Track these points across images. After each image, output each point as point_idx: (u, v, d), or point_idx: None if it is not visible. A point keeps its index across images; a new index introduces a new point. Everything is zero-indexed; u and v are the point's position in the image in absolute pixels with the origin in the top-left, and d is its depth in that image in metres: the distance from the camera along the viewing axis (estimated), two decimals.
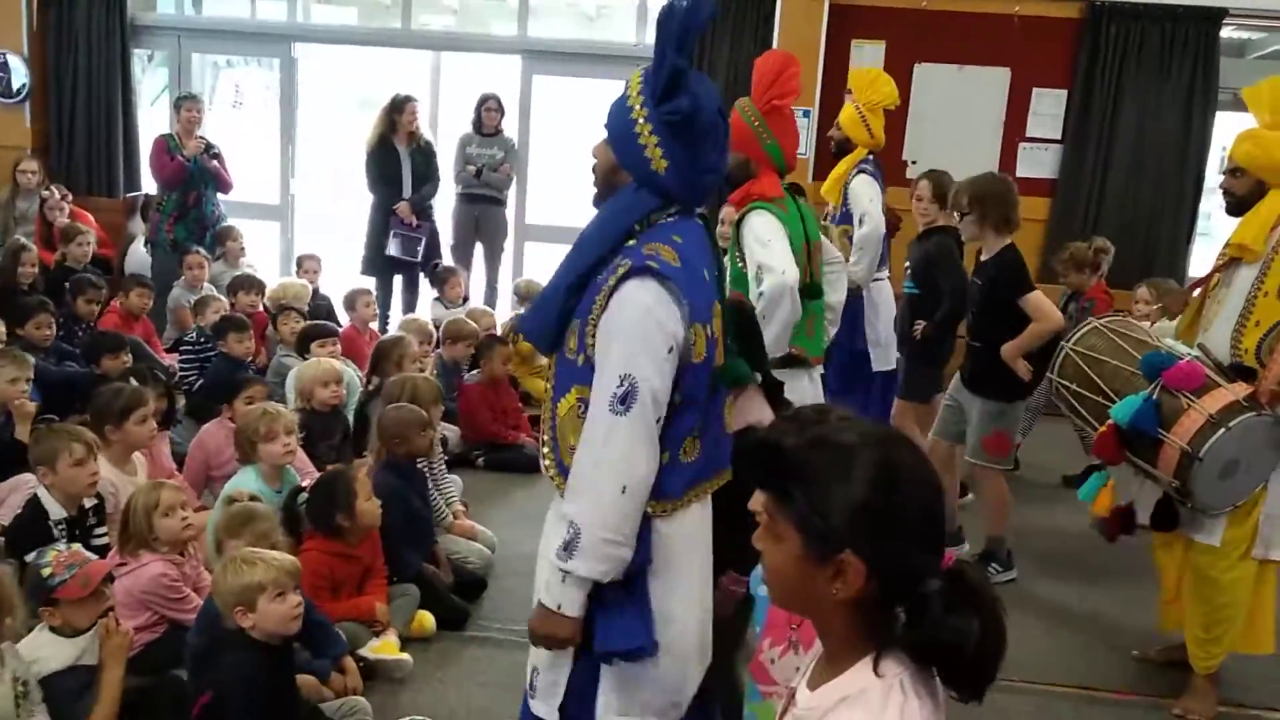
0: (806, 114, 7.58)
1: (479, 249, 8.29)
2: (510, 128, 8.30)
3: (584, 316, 2.20)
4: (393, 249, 7.83)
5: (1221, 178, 3.68)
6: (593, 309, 2.18)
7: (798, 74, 3.71)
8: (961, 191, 4.56)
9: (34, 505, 3.53)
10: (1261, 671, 3.92)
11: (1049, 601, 4.63)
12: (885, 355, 5.68)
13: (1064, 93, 7.75)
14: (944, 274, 4.95)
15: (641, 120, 2.19)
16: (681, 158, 2.20)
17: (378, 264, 7.94)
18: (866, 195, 5.52)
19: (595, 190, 2.39)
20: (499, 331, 6.85)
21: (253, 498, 3.62)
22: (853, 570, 1.32)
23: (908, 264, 5.30)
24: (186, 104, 7.54)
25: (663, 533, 2.26)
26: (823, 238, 4.15)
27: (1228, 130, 7.77)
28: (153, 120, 8.83)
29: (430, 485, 4.41)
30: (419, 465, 4.32)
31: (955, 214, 4.65)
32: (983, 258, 4.57)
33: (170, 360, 6.51)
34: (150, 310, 6.75)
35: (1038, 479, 6.06)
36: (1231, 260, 3.63)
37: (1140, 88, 7.59)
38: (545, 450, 2.35)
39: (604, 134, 2.31)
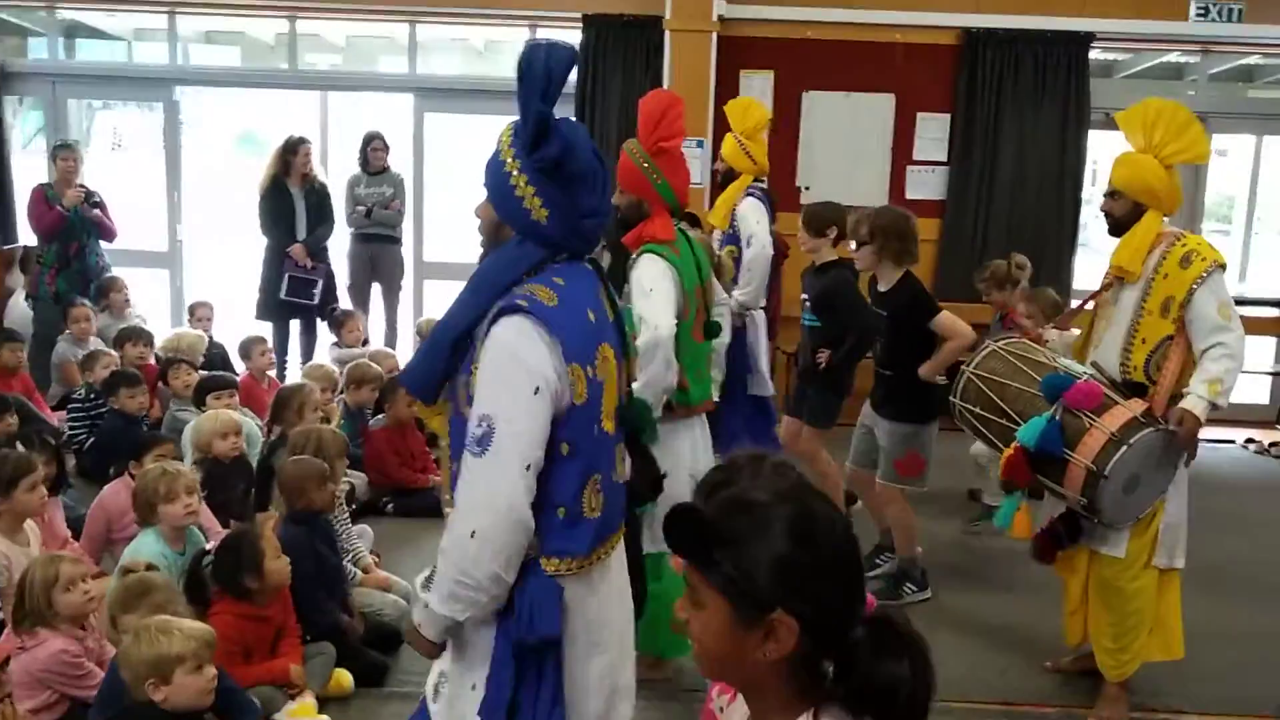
0: (700, 144, 7.66)
1: (376, 289, 8.18)
2: (404, 165, 8.24)
3: (468, 370, 2.17)
4: (288, 292, 7.69)
5: (1101, 199, 3.81)
6: (474, 361, 2.15)
7: (682, 113, 3.73)
8: (861, 222, 4.65)
9: None
10: (1171, 673, 4.03)
11: (962, 616, 4.72)
12: (762, 382, 5.79)
13: (947, 116, 7.98)
14: (846, 309, 5.02)
15: (516, 172, 2.16)
16: (561, 204, 2.17)
17: (273, 308, 7.78)
18: (753, 218, 5.65)
19: (481, 249, 2.37)
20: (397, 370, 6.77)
21: (149, 566, 3.48)
22: (784, 628, 1.32)
23: (805, 297, 5.37)
24: (63, 154, 7.30)
25: (576, 594, 2.22)
26: (713, 279, 4.21)
27: (1100, 147, 8.17)
28: (28, 165, 8.49)
29: (338, 538, 4.30)
30: (326, 517, 4.21)
31: (852, 243, 4.73)
32: (880, 288, 4.66)
33: (57, 418, 6.29)
34: (31, 366, 6.50)
35: (944, 493, 6.18)
36: (1116, 279, 3.78)
37: (1018, 109, 7.86)
38: (448, 512, 2.27)
39: (483, 192, 2.28)
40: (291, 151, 7.69)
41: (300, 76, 8.51)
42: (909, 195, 8.03)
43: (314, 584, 3.89)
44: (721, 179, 6.12)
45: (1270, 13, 7.79)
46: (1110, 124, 8.32)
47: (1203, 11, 7.81)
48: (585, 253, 2.33)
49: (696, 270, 3.82)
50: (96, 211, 7.33)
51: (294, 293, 7.71)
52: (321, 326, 7.90)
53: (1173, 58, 8.85)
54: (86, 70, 8.63)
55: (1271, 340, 8.29)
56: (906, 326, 4.55)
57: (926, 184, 8.08)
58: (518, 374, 2.08)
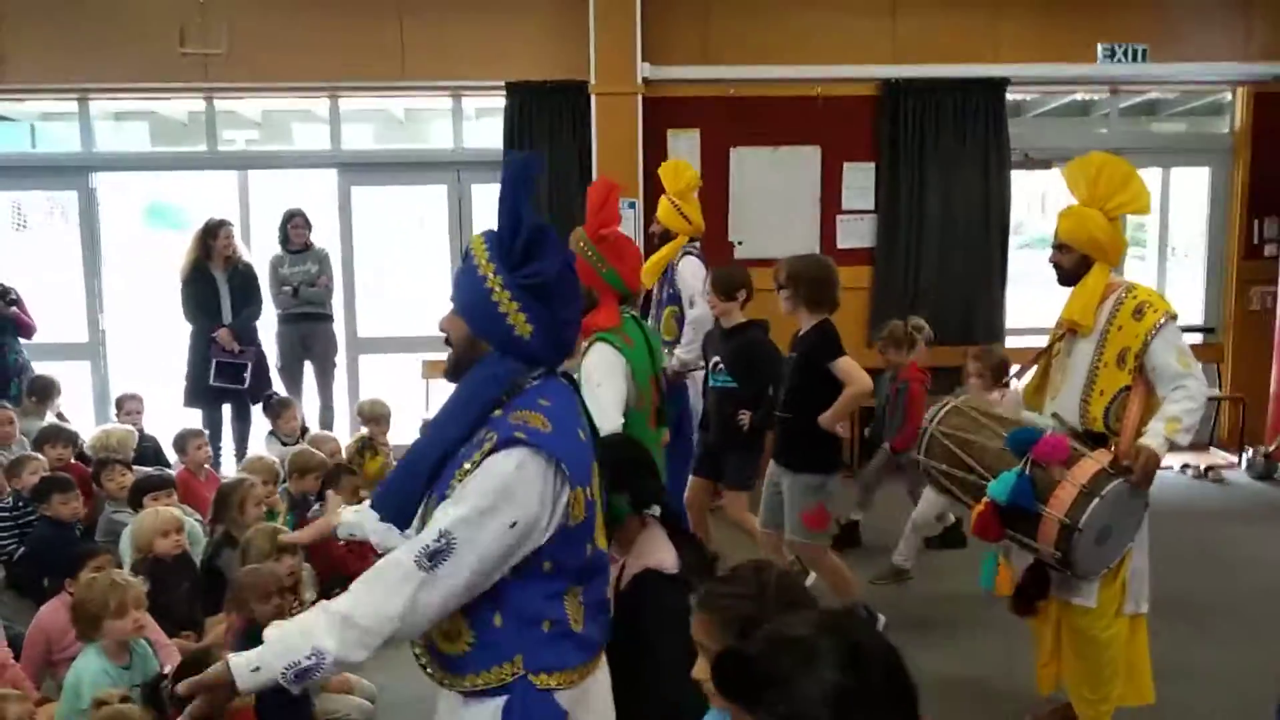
0: (632, 205, 7.68)
1: (308, 368, 8.01)
2: (329, 240, 8.11)
3: (441, 493, 2.10)
4: (216, 378, 7.50)
5: (1050, 250, 3.87)
6: (450, 485, 2.07)
7: (617, 196, 3.78)
8: (780, 268, 4.66)
9: None
10: (1147, 716, 4.03)
11: (934, 671, 4.65)
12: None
13: (872, 165, 8.10)
14: (764, 369, 5.00)
15: (498, 288, 2.10)
16: (545, 319, 2.13)
17: (202, 395, 7.58)
18: (696, 277, 5.65)
19: (450, 364, 2.27)
20: (344, 452, 6.61)
21: (123, 698, 3.29)
22: None
23: (717, 359, 5.31)
24: None
25: (566, 706, 2.16)
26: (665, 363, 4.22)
27: (1020, 186, 8.39)
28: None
29: None
30: None
31: (780, 290, 4.67)
32: (800, 333, 4.67)
33: None
34: None
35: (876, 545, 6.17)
36: (1068, 331, 3.83)
37: (941, 154, 8.01)
38: (416, 646, 2.21)
39: (449, 305, 2.22)
40: (212, 235, 7.53)
41: (221, 157, 8.34)
42: (840, 245, 8.13)
43: (275, 709, 3.70)
44: (658, 240, 6.17)
45: (1170, 52, 8.08)
46: (1028, 164, 8.60)
47: (1109, 53, 8.07)
48: (561, 363, 2.28)
49: (649, 355, 3.78)
50: (13, 309, 7.07)
51: (223, 378, 7.52)
52: (255, 409, 7.70)
53: (1079, 96, 9.12)
54: None
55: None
56: (810, 368, 4.53)
57: (856, 233, 8.18)
58: (504, 509, 2.02)
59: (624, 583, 2.66)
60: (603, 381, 3.53)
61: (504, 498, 2.02)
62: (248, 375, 7.56)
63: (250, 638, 3.82)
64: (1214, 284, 8.55)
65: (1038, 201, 14.93)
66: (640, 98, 7.69)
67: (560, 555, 2.12)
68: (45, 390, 6.97)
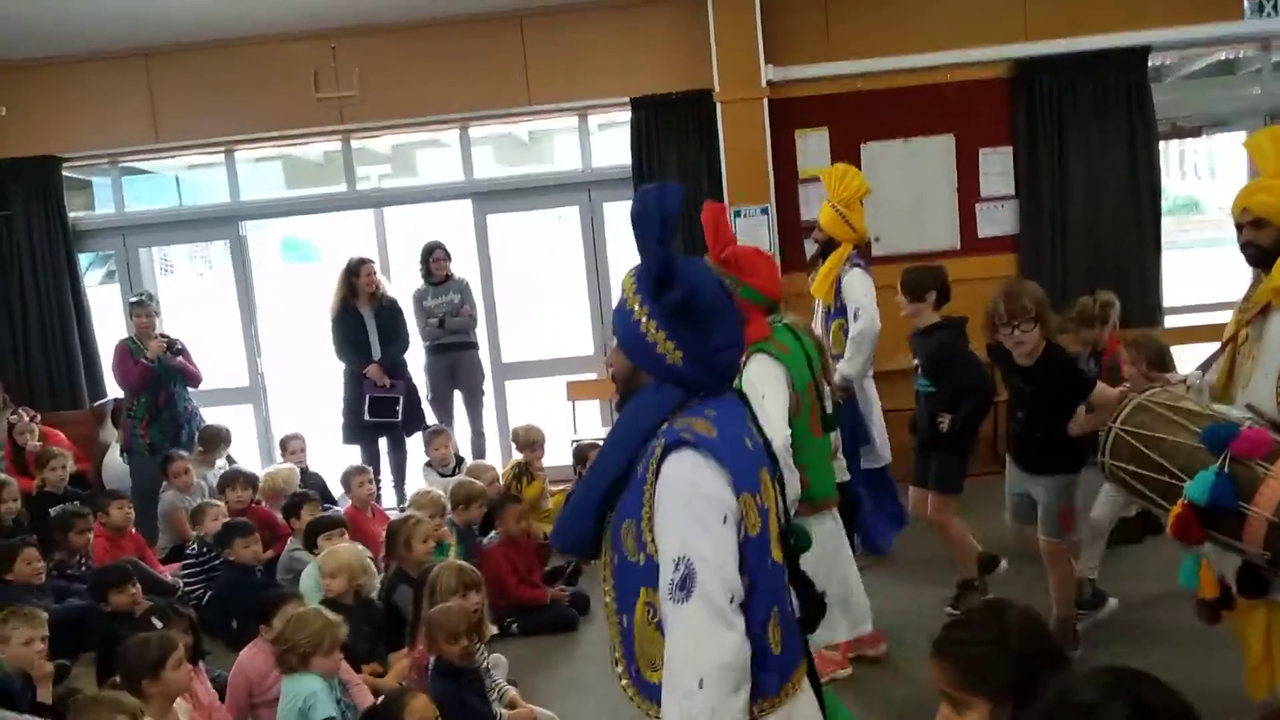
0: (765, 210, 7.62)
1: (458, 397, 8.16)
2: (468, 269, 8.25)
3: (635, 515, 2.12)
4: (370, 414, 7.71)
5: (1241, 231, 3.64)
6: (643, 504, 2.10)
7: (725, 218, 3.86)
8: (1025, 296, 4.43)
9: None
10: None
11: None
12: (876, 454, 5.66)
13: (1009, 149, 7.84)
14: (958, 371, 4.92)
15: (645, 319, 2.16)
16: (694, 344, 2.16)
17: (358, 430, 7.81)
18: (861, 289, 5.56)
19: (618, 395, 2.36)
20: (501, 479, 6.72)
21: None
22: None
23: (917, 361, 5.25)
24: (137, 310, 7.40)
25: None
26: (826, 368, 4.17)
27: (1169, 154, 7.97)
28: (104, 316, 8.62)
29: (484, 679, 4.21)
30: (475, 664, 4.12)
31: (1012, 322, 4.42)
32: (1020, 363, 4.50)
33: (168, 571, 6.29)
34: (135, 520, 6.53)
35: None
36: (1258, 315, 3.62)
37: (1081, 132, 7.69)
38: (619, 670, 2.22)
39: (613, 340, 2.31)
40: (354, 274, 7.76)
41: (360, 196, 8.58)
42: (981, 233, 7.92)
43: None
44: (821, 249, 5.98)
45: None
46: (1176, 133, 8.17)
47: (1257, 7, 7.66)
48: (725, 385, 2.29)
49: (807, 364, 3.75)
50: (179, 359, 7.39)
51: (377, 413, 7.73)
52: (411, 441, 7.89)
53: (1224, 55, 8.67)
54: (152, 219, 8.73)
55: None
56: (1057, 399, 4.44)
57: (997, 220, 7.94)
58: (705, 507, 2.04)
59: None
60: (766, 392, 3.53)
61: (701, 499, 2.04)
62: (400, 408, 7.76)
63: (439, 673, 3.91)
64: None
65: (1175, 165, 14.30)
66: (766, 101, 7.60)
67: (752, 569, 2.10)
68: (212, 440, 7.29)
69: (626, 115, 7.92)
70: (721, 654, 1.97)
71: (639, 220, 2.13)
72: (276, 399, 8.96)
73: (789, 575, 2.33)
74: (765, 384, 3.63)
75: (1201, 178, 21.78)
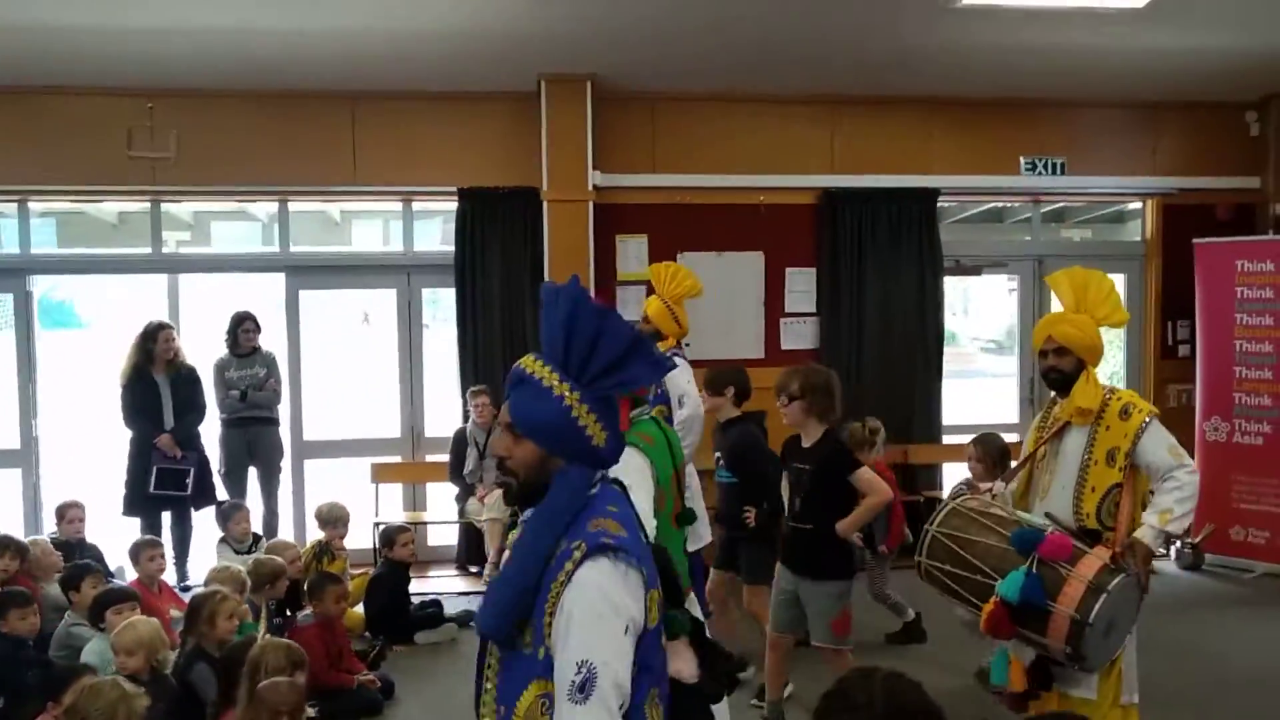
0: None
1: (252, 473, 7.85)
2: (275, 344, 8.03)
3: (541, 612, 2.13)
4: (157, 485, 7.34)
5: (1045, 358, 4.03)
6: (547, 600, 2.11)
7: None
8: (791, 378, 4.77)
9: None
10: None
11: None
12: (698, 537, 5.84)
13: (813, 270, 8.39)
14: (755, 459, 5.20)
15: (576, 403, 2.17)
16: (614, 423, 2.22)
17: (141, 503, 7.40)
18: (684, 378, 5.76)
19: (519, 488, 2.29)
20: (299, 560, 6.47)
21: None
22: None
23: (718, 454, 5.51)
24: None
25: None
26: (686, 462, 4.29)
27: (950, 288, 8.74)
28: None
29: None
30: None
31: (781, 398, 4.80)
32: (804, 444, 4.78)
33: None
34: None
35: (863, 641, 6.23)
36: (1055, 434, 4.03)
37: (878, 259, 8.34)
38: None
39: (510, 432, 2.24)
40: (151, 338, 7.46)
41: (167, 260, 8.24)
42: (784, 346, 8.37)
43: None
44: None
45: (1086, 165, 8.63)
46: (959, 270, 8.95)
47: (1031, 166, 8.57)
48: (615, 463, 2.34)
49: (670, 455, 3.85)
50: None
51: (164, 485, 7.38)
52: (197, 516, 7.51)
53: (996, 204, 9.62)
54: None
55: None
56: (829, 480, 4.65)
57: (800, 335, 8.43)
58: (613, 618, 2.08)
59: None
60: (634, 485, 3.56)
61: (610, 609, 2.07)
62: (189, 481, 7.41)
63: None
64: (1134, 383, 8.98)
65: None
66: (591, 204, 7.86)
67: (645, 656, 2.16)
68: None
69: (452, 206, 8.00)
70: None
71: (552, 306, 2.18)
72: (49, 464, 8.32)
73: (700, 647, 2.42)
74: (629, 475, 3.65)
75: (956, 314, 23.86)
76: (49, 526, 7.19)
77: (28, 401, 8.03)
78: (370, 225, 10.49)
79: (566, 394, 2.17)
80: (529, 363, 2.24)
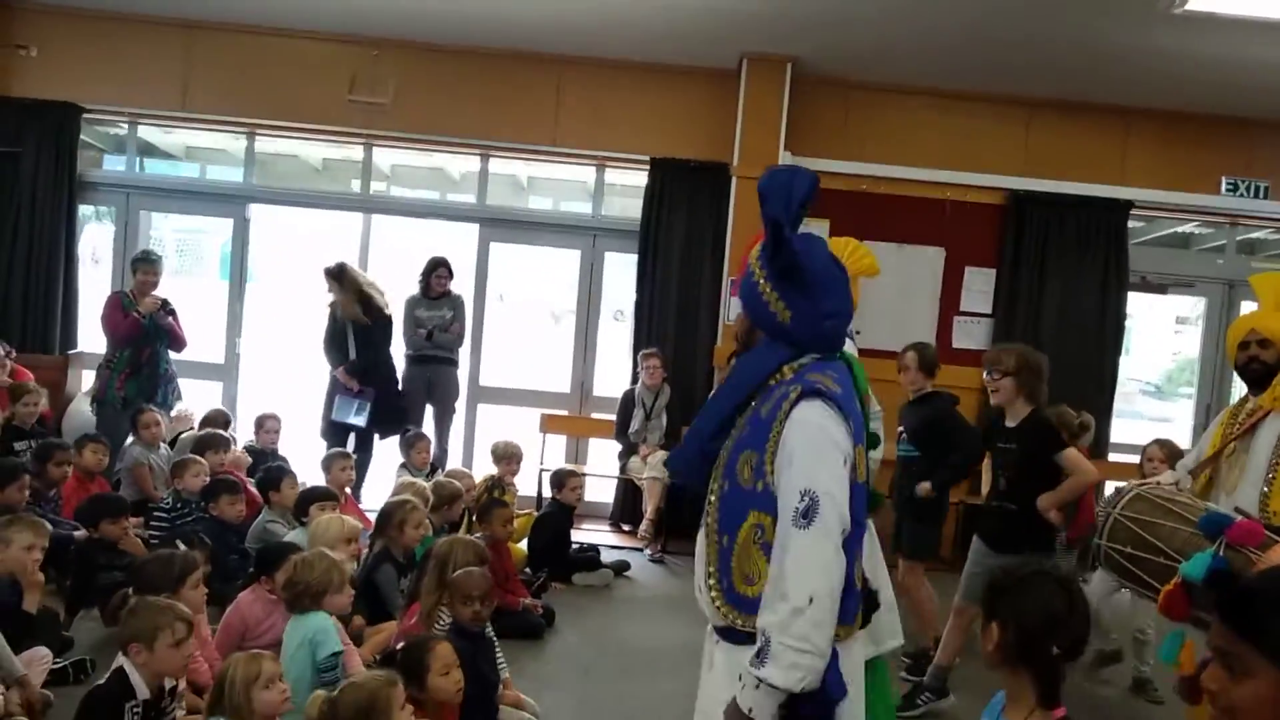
0: None
1: (429, 410, 8.25)
2: (464, 290, 8.43)
3: (759, 447, 2.34)
4: (336, 414, 7.77)
5: (1245, 349, 4.05)
6: (768, 439, 2.32)
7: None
8: (1006, 355, 4.83)
9: (120, 681, 3.33)
10: None
11: None
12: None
13: (993, 271, 8.36)
14: (958, 434, 5.23)
15: (762, 280, 2.42)
16: (802, 306, 2.40)
17: (328, 428, 7.84)
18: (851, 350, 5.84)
19: (738, 350, 2.64)
20: (474, 490, 6.81)
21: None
22: None
23: (901, 429, 5.57)
24: (144, 266, 7.37)
25: (844, 662, 2.30)
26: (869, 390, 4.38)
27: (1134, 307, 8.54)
28: (91, 275, 8.58)
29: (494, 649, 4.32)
30: (490, 635, 4.24)
31: (989, 373, 4.86)
32: (1008, 423, 4.84)
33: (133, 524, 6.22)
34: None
35: None
36: (1251, 427, 4.01)
37: (1061, 267, 8.25)
38: (710, 584, 2.40)
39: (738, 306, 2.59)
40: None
41: (373, 200, 8.75)
42: (955, 344, 8.34)
43: (475, 707, 3.86)
44: None
45: None
46: (1145, 286, 8.73)
47: (1232, 186, 8.33)
48: (832, 351, 2.51)
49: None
50: (170, 320, 7.40)
51: (339, 414, 7.78)
52: (379, 447, 7.94)
53: (1182, 229, 9.37)
54: (160, 184, 8.79)
55: None
56: (1035, 459, 4.70)
57: (971, 334, 8.40)
58: (832, 450, 2.28)
59: None
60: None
61: (829, 443, 2.28)
62: (365, 414, 7.75)
63: (456, 633, 4.01)
64: None
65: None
66: None
67: (857, 512, 2.33)
68: (213, 420, 7.29)
69: (643, 176, 8.25)
70: (830, 578, 2.22)
71: (766, 192, 2.40)
72: (247, 379, 8.94)
73: None
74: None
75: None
76: (244, 438, 7.71)
77: (234, 320, 8.64)
78: (551, 191, 10.84)
79: (757, 270, 2.44)
80: (754, 250, 2.51)
